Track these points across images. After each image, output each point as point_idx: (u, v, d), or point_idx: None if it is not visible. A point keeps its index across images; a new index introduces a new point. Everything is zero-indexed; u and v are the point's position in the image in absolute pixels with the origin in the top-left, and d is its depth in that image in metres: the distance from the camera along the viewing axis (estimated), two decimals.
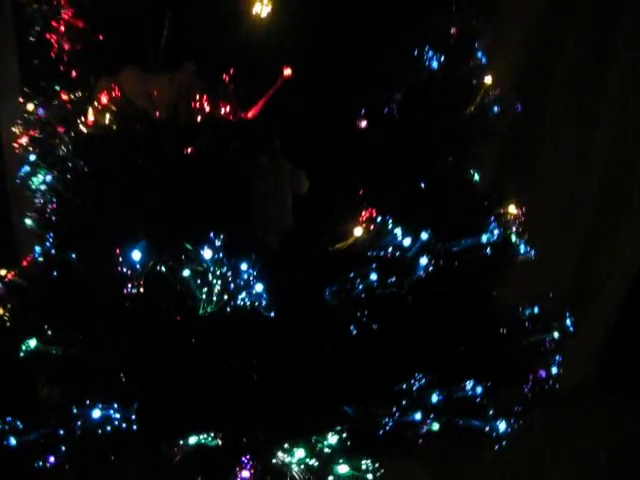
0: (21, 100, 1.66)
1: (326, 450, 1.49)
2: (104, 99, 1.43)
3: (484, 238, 1.59)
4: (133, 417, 1.45)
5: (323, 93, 1.45)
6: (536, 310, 1.73)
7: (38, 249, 1.62)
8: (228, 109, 1.40)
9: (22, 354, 1.49)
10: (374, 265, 1.42)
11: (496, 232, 1.62)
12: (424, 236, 1.47)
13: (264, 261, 1.40)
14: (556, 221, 2.85)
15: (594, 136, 2.88)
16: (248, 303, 1.39)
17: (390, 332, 1.51)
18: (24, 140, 1.62)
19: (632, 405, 2.82)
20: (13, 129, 1.64)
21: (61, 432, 1.47)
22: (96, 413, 1.44)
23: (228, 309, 1.39)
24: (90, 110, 1.47)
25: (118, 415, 1.45)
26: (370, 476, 1.48)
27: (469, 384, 1.53)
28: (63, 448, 1.47)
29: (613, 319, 3.05)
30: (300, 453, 1.48)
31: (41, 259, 1.61)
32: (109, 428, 1.45)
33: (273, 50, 1.40)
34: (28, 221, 1.63)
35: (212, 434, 1.51)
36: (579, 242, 2.98)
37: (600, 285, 3.01)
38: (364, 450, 1.51)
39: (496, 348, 1.63)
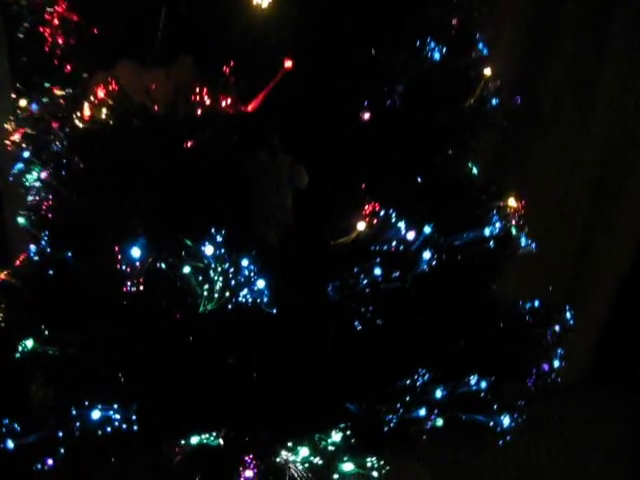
0: (13, 96, 1.63)
1: (330, 448, 1.47)
2: (100, 93, 1.40)
3: (487, 231, 1.58)
4: (133, 417, 1.43)
5: (324, 85, 1.43)
6: (536, 304, 1.73)
7: (33, 248, 1.59)
8: (228, 102, 1.38)
9: (19, 355, 1.47)
10: (378, 259, 1.40)
11: (498, 225, 1.61)
12: (427, 229, 1.46)
13: (265, 257, 1.39)
14: (551, 217, 2.85)
15: (592, 132, 2.87)
16: (250, 300, 1.37)
17: (393, 327, 1.50)
18: (17, 137, 1.60)
19: (625, 398, 2.83)
20: (5, 126, 1.61)
21: (60, 434, 1.44)
22: (95, 414, 1.41)
23: (229, 306, 1.37)
24: (86, 105, 1.44)
25: (118, 416, 1.43)
26: (375, 473, 1.47)
27: (473, 379, 1.52)
28: (62, 450, 1.45)
29: (606, 315, 3.06)
30: (304, 452, 1.46)
31: (36, 258, 1.58)
32: (109, 429, 1.42)
33: (274, 41, 1.38)
34: (21, 220, 1.60)
35: (214, 433, 1.49)
36: (573, 238, 2.98)
37: (594, 281, 3.01)
38: (368, 447, 1.49)
39: (499, 342, 1.62)
